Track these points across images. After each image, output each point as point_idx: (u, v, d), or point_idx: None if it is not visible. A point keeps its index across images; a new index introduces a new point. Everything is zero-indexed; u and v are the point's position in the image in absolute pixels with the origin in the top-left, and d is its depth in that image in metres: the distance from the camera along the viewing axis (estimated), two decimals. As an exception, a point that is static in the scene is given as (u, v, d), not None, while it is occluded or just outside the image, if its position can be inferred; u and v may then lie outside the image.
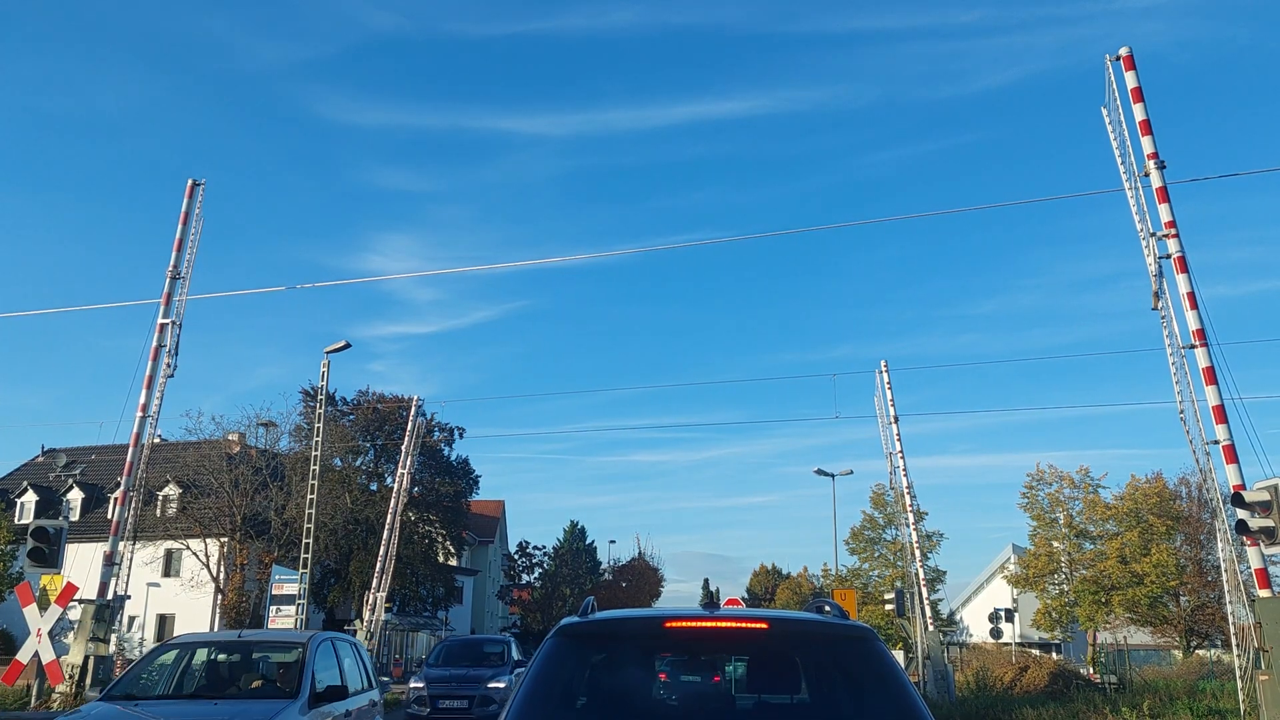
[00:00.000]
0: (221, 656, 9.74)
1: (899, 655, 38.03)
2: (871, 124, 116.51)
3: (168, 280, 19.33)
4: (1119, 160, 16.03)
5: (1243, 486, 13.37)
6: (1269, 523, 12.66)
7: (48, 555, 16.61)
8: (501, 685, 19.09)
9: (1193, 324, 14.34)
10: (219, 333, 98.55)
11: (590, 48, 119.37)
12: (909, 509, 28.31)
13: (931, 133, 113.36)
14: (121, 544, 18.49)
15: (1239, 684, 15.36)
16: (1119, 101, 15.86)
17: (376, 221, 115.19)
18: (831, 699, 4.21)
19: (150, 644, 40.62)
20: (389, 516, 29.95)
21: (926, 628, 25.84)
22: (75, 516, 42.99)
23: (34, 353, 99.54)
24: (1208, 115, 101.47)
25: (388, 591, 29.32)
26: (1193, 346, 14.32)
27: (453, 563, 56.31)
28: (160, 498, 41.76)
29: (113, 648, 16.84)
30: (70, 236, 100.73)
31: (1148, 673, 31.76)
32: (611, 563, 70.09)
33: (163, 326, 19.08)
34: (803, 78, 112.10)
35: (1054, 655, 41.75)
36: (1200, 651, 41.90)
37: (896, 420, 27.93)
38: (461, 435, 51.58)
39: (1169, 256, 14.74)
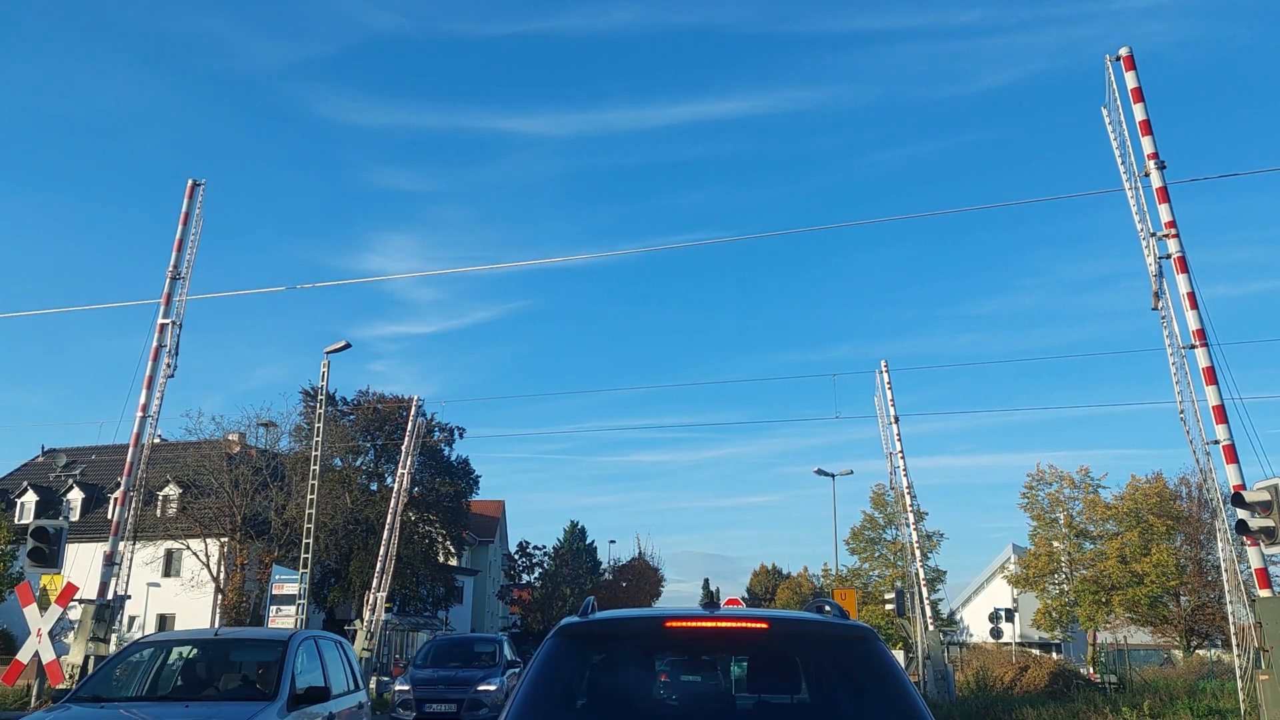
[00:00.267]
0: (198, 656, 9.35)
1: (899, 655, 38.04)
2: (871, 124, 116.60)
3: (168, 280, 19.33)
4: (1119, 160, 16.04)
5: (1243, 486, 13.37)
6: (1269, 523, 12.66)
7: (48, 555, 16.61)
8: (493, 688, 18.04)
9: (1193, 324, 14.33)
10: (219, 333, 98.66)
11: (590, 48, 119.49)
12: (909, 509, 28.32)
13: (931, 133, 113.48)
14: (122, 544, 18.48)
15: (1239, 684, 15.37)
16: (1119, 101, 15.86)
17: (376, 221, 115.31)
18: (832, 699, 4.21)
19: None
20: (389, 516, 29.94)
21: (926, 628, 25.85)
22: (75, 516, 43.01)
23: (34, 353, 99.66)
24: (1208, 115, 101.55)
25: (388, 591, 29.31)
26: (1193, 346, 14.31)
27: (453, 563, 56.31)
28: (160, 498, 41.77)
29: (113, 648, 16.81)
30: (70, 236, 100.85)
31: (1148, 673, 31.78)
32: (611, 563, 70.15)
33: (163, 326, 19.08)
34: (803, 78, 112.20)
35: (1054, 655, 41.77)
36: (1200, 651, 41.92)
37: (897, 420, 27.95)
38: (461, 435, 51.63)
39: (1169, 256, 14.74)
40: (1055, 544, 44.23)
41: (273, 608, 24.83)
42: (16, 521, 41.47)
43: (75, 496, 47.21)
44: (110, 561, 18.06)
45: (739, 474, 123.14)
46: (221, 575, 39.91)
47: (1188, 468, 42.66)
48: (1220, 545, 17.47)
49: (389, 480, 44.42)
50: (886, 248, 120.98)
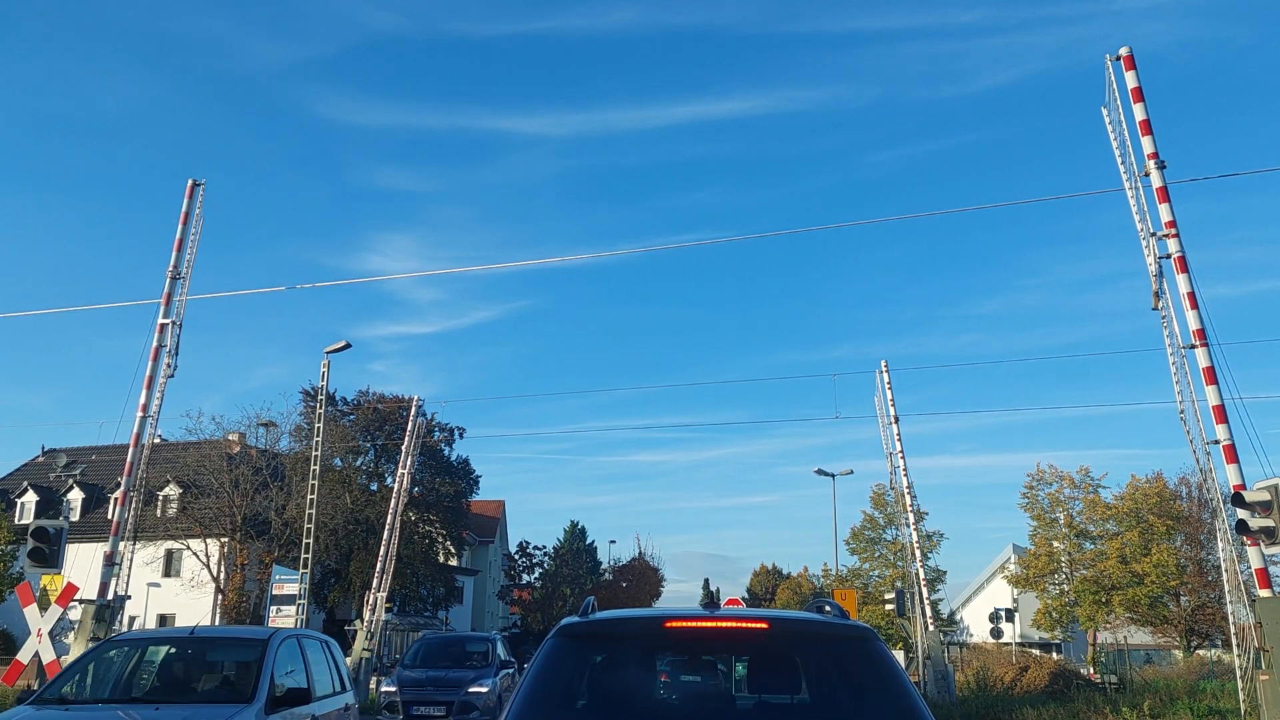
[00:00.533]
0: (173, 656, 8.93)
1: (899, 655, 38.03)
2: (871, 124, 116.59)
3: (168, 280, 19.32)
4: (1119, 160, 16.03)
5: (1243, 486, 13.36)
6: (1269, 523, 12.66)
7: (48, 555, 16.60)
8: (484, 689, 17.10)
9: (1193, 324, 14.33)
10: (219, 333, 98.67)
11: (590, 48, 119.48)
12: (909, 509, 28.30)
13: (931, 133, 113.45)
14: (122, 544, 18.47)
15: (1239, 684, 15.37)
16: (1119, 101, 15.85)
17: (376, 221, 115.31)
18: (832, 699, 4.22)
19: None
20: (389, 516, 29.93)
21: (927, 628, 25.84)
22: (75, 516, 42.99)
23: (34, 353, 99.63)
24: (1208, 115, 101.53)
25: (388, 591, 29.28)
26: (1193, 346, 14.31)
27: (453, 563, 56.34)
28: (160, 498, 41.78)
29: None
30: (70, 236, 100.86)
31: (1148, 673, 31.79)
32: (612, 563, 70.14)
33: (163, 326, 19.07)
34: (803, 78, 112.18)
35: (1054, 655, 41.77)
36: (1200, 651, 41.91)
37: (897, 420, 27.94)
38: (461, 435, 51.69)
39: (1169, 256, 14.73)
40: (1055, 544, 44.24)
41: (273, 608, 24.83)
42: (16, 521, 41.49)
43: (75, 496, 47.22)
44: (110, 561, 18.06)
45: (739, 474, 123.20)
46: (222, 575, 39.92)
47: (1188, 468, 42.72)
48: (1220, 545, 17.47)
49: (389, 480, 44.44)
50: (886, 248, 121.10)
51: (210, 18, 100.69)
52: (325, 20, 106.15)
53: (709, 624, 4.25)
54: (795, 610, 5.75)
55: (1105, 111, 16.30)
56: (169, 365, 18.98)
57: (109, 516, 23.20)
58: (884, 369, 28.58)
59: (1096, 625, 43.03)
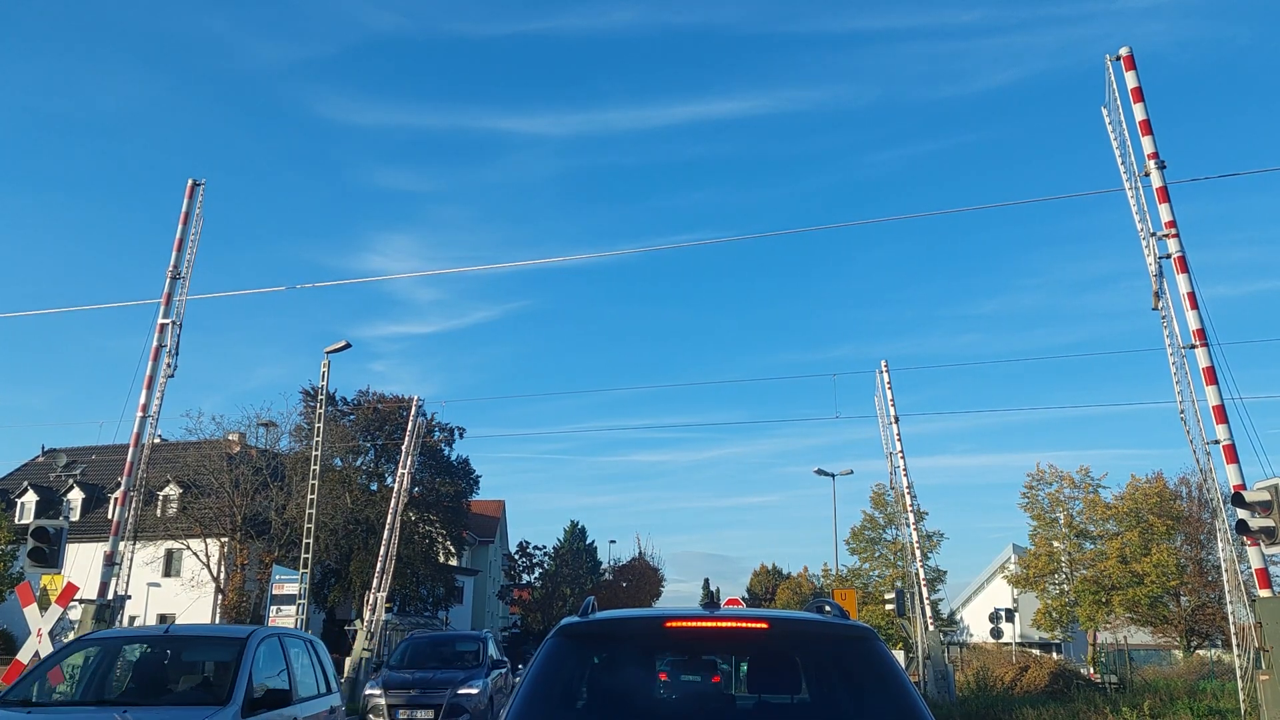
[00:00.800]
0: (147, 655, 8.53)
1: (899, 655, 38.03)
2: (871, 124, 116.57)
3: (168, 280, 19.32)
4: (1119, 160, 16.03)
5: (1243, 486, 13.36)
6: (1269, 522, 12.66)
7: (48, 555, 16.60)
8: (474, 691, 16.14)
9: (1193, 324, 14.33)
10: (219, 333, 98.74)
11: (590, 48, 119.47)
12: (909, 509, 28.31)
13: (931, 133, 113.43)
14: (122, 544, 18.48)
15: (1239, 684, 15.36)
16: (1119, 101, 15.85)
17: (376, 221, 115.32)
18: (832, 699, 4.22)
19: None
20: (389, 516, 29.94)
21: (927, 628, 25.84)
22: (75, 516, 43.03)
23: (34, 353, 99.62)
24: (1208, 115, 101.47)
25: (388, 591, 29.29)
26: (1193, 346, 14.31)
27: (453, 563, 56.32)
28: (160, 498, 41.78)
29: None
30: (70, 236, 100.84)
31: (1148, 673, 31.78)
32: (612, 563, 70.13)
33: (163, 326, 19.07)
34: (803, 78, 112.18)
35: (1054, 655, 41.78)
36: (1200, 651, 41.90)
37: (897, 420, 27.95)
38: (462, 435, 51.68)
39: (1169, 256, 14.73)
40: (1055, 544, 44.23)
41: (273, 608, 24.84)
42: (16, 521, 41.51)
43: (75, 496, 47.25)
44: (110, 561, 18.06)
45: (739, 474, 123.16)
46: (222, 575, 39.92)
47: (1188, 468, 42.72)
48: (1220, 545, 17.47)
49: (389, 480, 44.44)
50: (886, 248, 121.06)
51: (210, 18, 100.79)
52: (325, 20, 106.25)
53: (709, 624, 4.25)
54: (795, 610, 5.75)
55: (1105, 111, 16.30)
56: (169, 365, 18.98)
57: (109, 516, 23.21)
58: (884, 369, 28.60)
59: (1096, 625, 43.03)
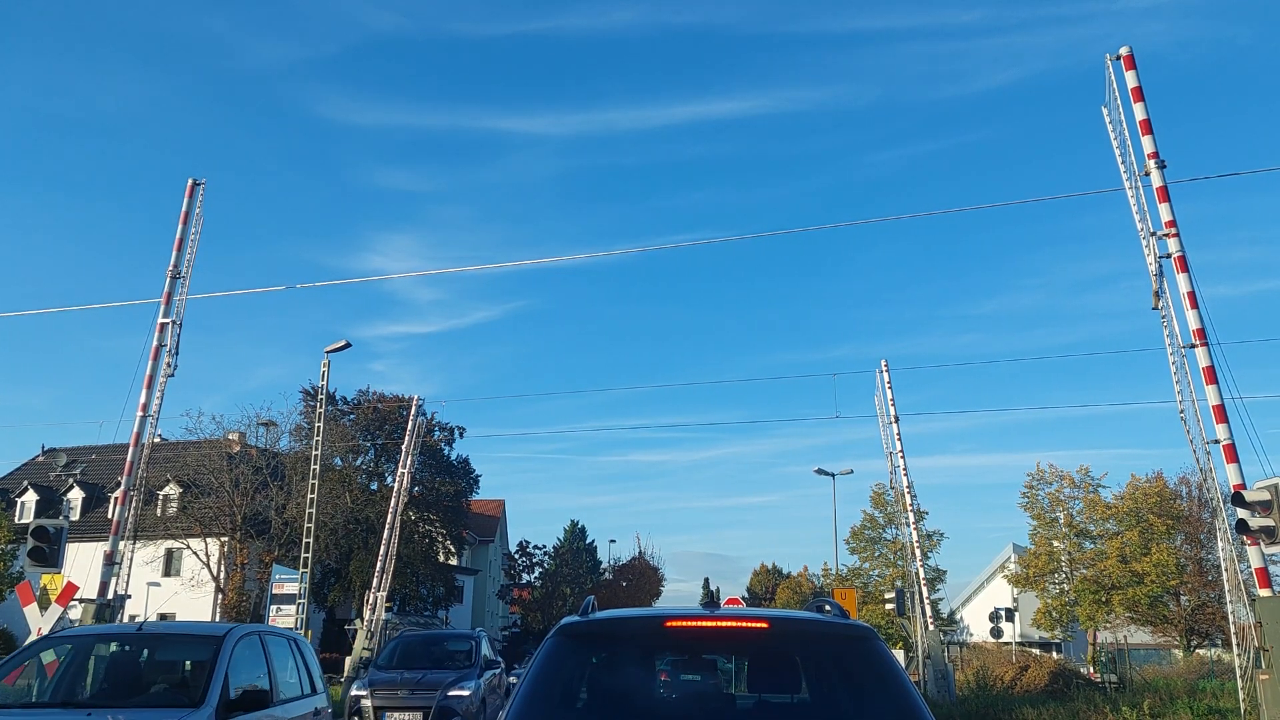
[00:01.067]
0: (118, 655, 8.16)
1: (899, 655, 38.04)
2: (871, 124, 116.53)
3: (168, 280, 19.33)
4: (1119, 160, 16.04)
5: (1243, 486, 13.37)
6: (1269, 522, 12.66)
7: (48, 555, 16.61)
8: (465, 693, 15.37)
9: (1193, 323, 14.34)
10: (219, 333, 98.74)
11: (590, 48, 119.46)
12: (909, 508, 28.32)
13: (931, 133, 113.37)
14: (122, 543, 18.49)
15: (1239, 683, 15.37)
16: (1119, 101, 15.85)
17: (377, 221, 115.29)
18: (832, 698, 4.22)
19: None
20: (389, 516, 29.94)
21: (927, 627, 25.85)
22: (75, 516, 43.06)
23: (34, 353, 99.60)
24: (1208, 115, 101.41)
25: (388, 591, 29.30)
26: (1193, 346, 14.32)
27: (453, 562, 56.33)
28: (160, 497, 41.79)
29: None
30: (70, 236, 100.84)
31: (1148, 672, 31.80)
32: (611, 562, 70.12)
33: (163, 326, 19.08)
34: (803, 78, 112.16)
35: (1054, 655, 41.75)
36: (1200, 651, 41.92)
37: (897, 420, 27.95)
38: (462, 435, 51.70)
39: (1169, 256, 14.74)
40: (1055, 543, 44.23)
41: (273, 607, 24.86)
42: (17, 521, 41.47)
43: (75, 496, 47.26)
44: (110, 561, 18.07)
45: (739, 474, 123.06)
46: (222, 575, 39.93)
47: (1188, 467, 42.73)
48: (1220, 545, 17.47)
49: (389, 480, 44.45)
50: (886, 248, 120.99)
51: (210, 18, 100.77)
52: (325, 20, 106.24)
53: (709, 624, 4.25)
54: (795, 610, 5.76)
55: (1105, 111, 16.31)
56: (169, 365, 18.99)
57: (109, 516, 23.22)
58: (884, 369, 28.60)
59: (1096, 625, 43.02)
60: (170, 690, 7.53)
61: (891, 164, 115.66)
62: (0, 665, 7.97)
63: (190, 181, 20.14)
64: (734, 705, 4.46)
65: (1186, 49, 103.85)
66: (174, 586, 42.08)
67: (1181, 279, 14.52)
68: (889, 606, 38.61)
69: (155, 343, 18.94)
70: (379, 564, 28.81)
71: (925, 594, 26.69)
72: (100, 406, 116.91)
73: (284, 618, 24.28)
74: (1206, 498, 27.26)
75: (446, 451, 51.31)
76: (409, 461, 30.65)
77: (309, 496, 25.67)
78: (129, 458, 18.56)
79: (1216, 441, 13.94)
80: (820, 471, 42.59)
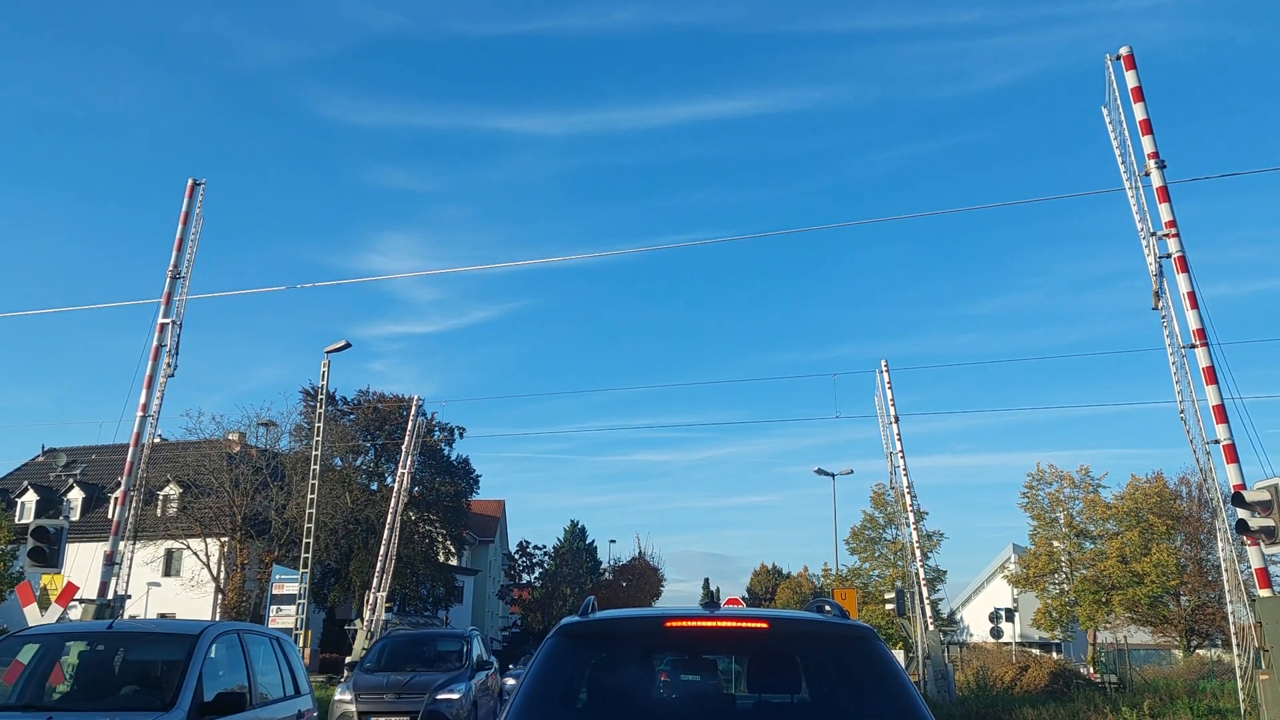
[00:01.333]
0: (89, 655, 7.84)
1: (899, 655, 38.03)
2: (871, 124, 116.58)
3: (168, 280, 19.33)
4: (1119, 160, 16.04)
5: (1243, 486, 13.37)
6: (1269, 522, 12.66)
7: (48, 555, 16.61)
8: (455, 696, 14.64)
9: (1193, 324, 14.34)
10: (219, 333, 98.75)
11: (590, 48, 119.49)
12: (909, 509, 28.32)
13: (931, 133, 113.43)
14: (122, 544, 18.49)
15: (1239, 683, 15.37)
16: (1119, 101, 15.86)
17: (377, 221, 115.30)
18: (832, 698, 4.22)
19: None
20: (389, 516, 29.96)
21: (927, 627, 25.85)
22: (75, 516, 43.02)
23: (34, 353, 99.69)
24: (1208, 115, 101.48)
25: (388, 591, 29.32)
26: (1193, 346, 14.32)
27: (453, 562, 56.33)
28: (160, 497, 41.79)
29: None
30: (70, 236, 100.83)
31: (1148, 672, 31.81)
32: (612, 562, 70.10)
33: (163, 326, 19.07)
34: (803, 78, 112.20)
35: (1054, 655, 41.75)
36: (1200, 651, 41.91)
37: (897, 420, 27.96)
38: (462, 435, 51.71)
39: (1169, 256, 14.74)
40: (1055, 544, 44.22)
41: (273, 607, 24.88)
42: (17, 521, 41.46)
43: (75, 496, 47.26)
44: (110, 561, 18.07)
45: (739, 474, 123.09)
46: (222, 575, 39.92)
47: (1188, 467, 42.73)
48: (1220, 545, 17.47)
49: (389, 480, 44.45)
50: (886, 248, 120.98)
51: (211, 17, 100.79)
52: (326, 20, 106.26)
53: (709, 624, 4.25)
54: (795, 610, 5.76)
55: (1105, 111, 16.31)
56: (169, 365, 18.99)
57: (109, 516, 23.21)
58: (884, 369, 28.61)
59: (1096, 625, 43.02)
60: (141, 692, 7.13)
61: (892, 164, 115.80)
62: None
63: (190, 181, 20.14)
64: (734, 705, 4.46)
65: (1186, 49, 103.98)
66: (174, 587, 42.10)
67: (1181, 279, 14.52)
68: (889, 607, 38.61)
69: (155, 343, 18.94)
70: (379, 564, 28.82)
71: (925, 594, 26.69)
72: (100, 406, 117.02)
73: (284, 618, 24.31)
74: (1206, 498, 27.26)
75: (446, 452, 51.34)
76: (409, 462, 30.66)
77: (309, 496, 25.67)
78: (129, 458, 18.56)
79: (1216, 441, 13.94)
80: (820, 471, 42.63)
